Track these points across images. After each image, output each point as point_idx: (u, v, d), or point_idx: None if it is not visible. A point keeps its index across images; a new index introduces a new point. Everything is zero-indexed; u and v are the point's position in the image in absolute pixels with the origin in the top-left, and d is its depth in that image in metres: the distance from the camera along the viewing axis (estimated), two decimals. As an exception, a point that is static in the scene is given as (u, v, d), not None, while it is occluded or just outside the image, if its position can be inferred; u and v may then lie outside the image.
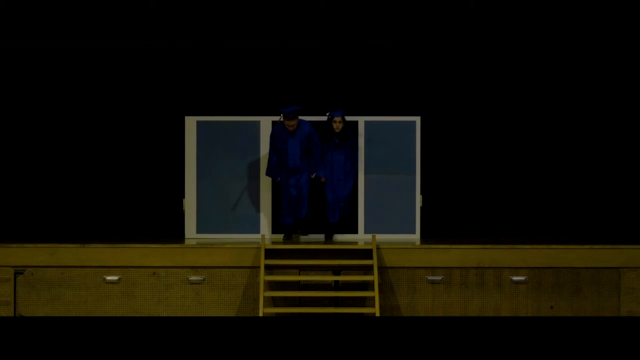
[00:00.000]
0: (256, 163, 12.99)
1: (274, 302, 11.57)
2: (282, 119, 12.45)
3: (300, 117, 12.51)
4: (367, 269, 11.62)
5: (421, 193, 13.16)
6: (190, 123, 13.19)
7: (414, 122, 13.20)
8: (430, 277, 11.62)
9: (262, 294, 11.22)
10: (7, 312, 11.52)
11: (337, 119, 12.61)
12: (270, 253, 11.69)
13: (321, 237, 12.85)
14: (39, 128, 13.87)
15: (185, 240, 12.76)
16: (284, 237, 12.70)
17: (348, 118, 12.72)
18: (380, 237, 12.45)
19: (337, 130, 12.63)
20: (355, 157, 12.87)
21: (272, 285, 11.59)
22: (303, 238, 12.73)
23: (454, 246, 11.70)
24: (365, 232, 12.95)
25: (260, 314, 11.11)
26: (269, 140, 12.71)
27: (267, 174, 12.67)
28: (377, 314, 11.01)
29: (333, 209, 12.77)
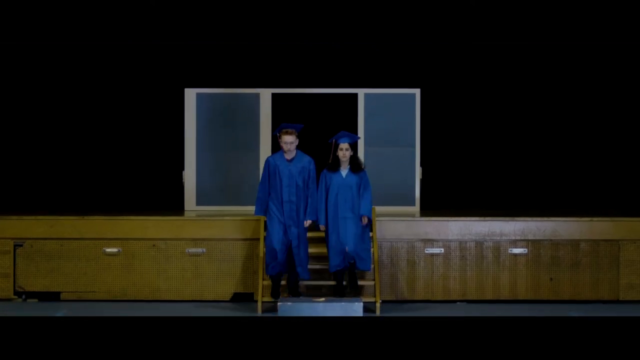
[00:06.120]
0: (256, 135, 12.97)
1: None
2: (279, 136, 10.86)
3: (299, 123, 11.23)
4: (367, 241, 11.60)
5: (421, 165, 13.15)
6: (190, 95, 13.17)
7: (413, 95, 13.18)
8: (430, 250, 11.63)
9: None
10: (7, 283, 11.54)
11: (343, 145, 10.93)
12: (269, 225, 11.66)
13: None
14: (39, 100, 13.86)
15: (185, 212, 12.76)
16: (271, 293, 11.11)
17: (347, 90, 12.50)
18: (380, 209, 12.43)
19: (344, 159, 10.97)
20: (368, 193, 10.98)
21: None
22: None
23: (453, 218, 11.70)
24: (365, 204, 12.93)
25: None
26: (263, 167, 11.04)
27: (256, 211, 10.98)
28: (377, 288, 10.99)
29: (334, 254, 10.89)
